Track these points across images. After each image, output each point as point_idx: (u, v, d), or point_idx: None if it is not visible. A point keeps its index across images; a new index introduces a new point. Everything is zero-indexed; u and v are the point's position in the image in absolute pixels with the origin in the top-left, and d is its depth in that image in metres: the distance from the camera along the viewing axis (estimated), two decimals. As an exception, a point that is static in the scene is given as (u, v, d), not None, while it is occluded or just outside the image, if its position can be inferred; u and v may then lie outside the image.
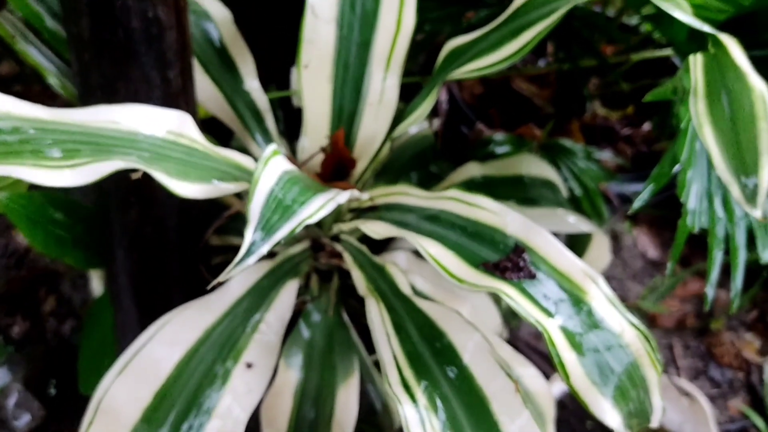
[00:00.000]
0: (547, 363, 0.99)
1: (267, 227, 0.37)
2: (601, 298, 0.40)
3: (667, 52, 0.85)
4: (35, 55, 0.72)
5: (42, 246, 0.60)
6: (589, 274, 0.41)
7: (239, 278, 0.51)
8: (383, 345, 0.43)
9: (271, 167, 0.41)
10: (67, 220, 0.60)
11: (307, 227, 0.57)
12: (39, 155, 0.33)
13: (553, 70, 0.89)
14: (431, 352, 0.42)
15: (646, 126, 0.90)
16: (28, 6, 0.67)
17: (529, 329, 1.08)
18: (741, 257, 0.52)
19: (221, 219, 0.56)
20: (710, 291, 0.51)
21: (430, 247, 0.42)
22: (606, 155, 0.83)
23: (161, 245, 0.54)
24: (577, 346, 0.38)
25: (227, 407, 0.45)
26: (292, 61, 0.72)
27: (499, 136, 0.76)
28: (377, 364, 0.66)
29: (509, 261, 0.41)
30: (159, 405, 0.45)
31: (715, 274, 0.51)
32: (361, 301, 0.66)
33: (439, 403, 0.39)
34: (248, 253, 0.36)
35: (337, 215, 0.55)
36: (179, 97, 0.50)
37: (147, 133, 0.40)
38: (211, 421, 0.45)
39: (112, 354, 0.67)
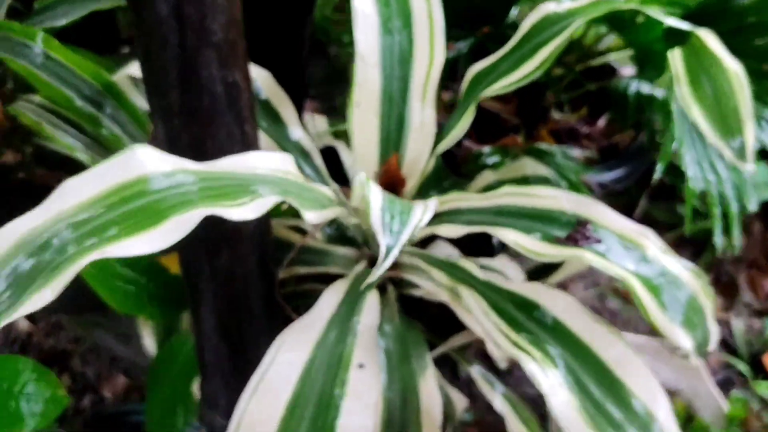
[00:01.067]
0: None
1: (393, 234, 0.45)
2: (656, 249, 0.50)
3: (605, 59, 0.98)
4: (62, 136, 0.78)
5: (120, 305, 0.65)
6: (641, 231, 0.50)
7: (326, 299, 0.58)
8: (486, 322, 0.51)
9: (372, 190, 0.49)
10: (140, 279, 0.66)
11: (367, 245, 0.65)
12: (224, 198, 0.40)
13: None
14: (528, 317, 0.50)
15: (601, 122, 1.02)
16: (58, 91, 0.72)
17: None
18: (734, 208, 0.63)
19: (294, 252, 0.63)
20: (718, 239, 0.61)
21: (509, 234, 0.50)
22: (576, 152, 0.94)
23: (247, 283, 0.60)
24: (651, 288, 0.47)
25: (353, 405, 0.52)
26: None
27: (486, 149, 0.86)
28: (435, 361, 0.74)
29: (577, 233, 0.50)
30: (292, 413, 0.51)
31: (718, 225, 0.62)
32: (411, 305, 0.74)
33: (550, 349, 0.47)
34: (387, 255, 0.44)
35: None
36: (252, 146, 0.57)
37: (266, 173, 0.47)
38: (342, 418, 0.51)
39: (186, 402, 0.72)
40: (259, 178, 0.46)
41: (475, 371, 0.75)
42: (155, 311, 0.66)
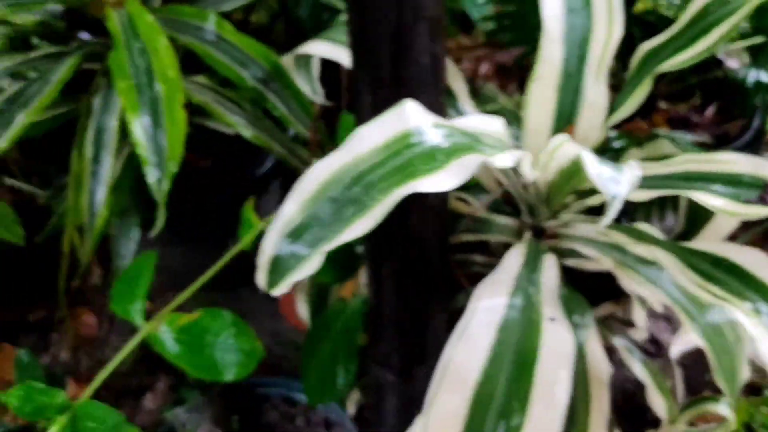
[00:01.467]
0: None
1: (613, 189, 0.49)
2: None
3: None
4: (227, 113, 0.83)
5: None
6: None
7: (510, 259, 0.62)
8: (682, 279, 0.55)
9: (582, 149, 0.53)
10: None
11: (532, 214, 0.69)
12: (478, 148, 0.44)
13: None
14: (720, 271, 0.54)
15: (709, 112, 1.06)
16: (232, 70, 0.77)
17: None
18: None
19: (467, 219, 0.67)
20: None
21: (702, 196, 0.54)
22: (690, 137, 0.98)
23: (428, 247, 0.64)
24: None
25: (549, 354, 0.56)
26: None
27: (612, 133, 0.90)
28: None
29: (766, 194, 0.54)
30: (494, 360, 0.55)
31: None
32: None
33: (750, 298, 0.51)
34: (613, 203, 0.48)
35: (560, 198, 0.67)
36: (444, 116, 0.61)
37: (488, 133, 0.52)
38: (540, 366, 0.55)
39: (347, 363, 0.76)
40: (484, 136, 0.50)
41: (618, 341, 0.79)
42: (331, 273, 0.71)
